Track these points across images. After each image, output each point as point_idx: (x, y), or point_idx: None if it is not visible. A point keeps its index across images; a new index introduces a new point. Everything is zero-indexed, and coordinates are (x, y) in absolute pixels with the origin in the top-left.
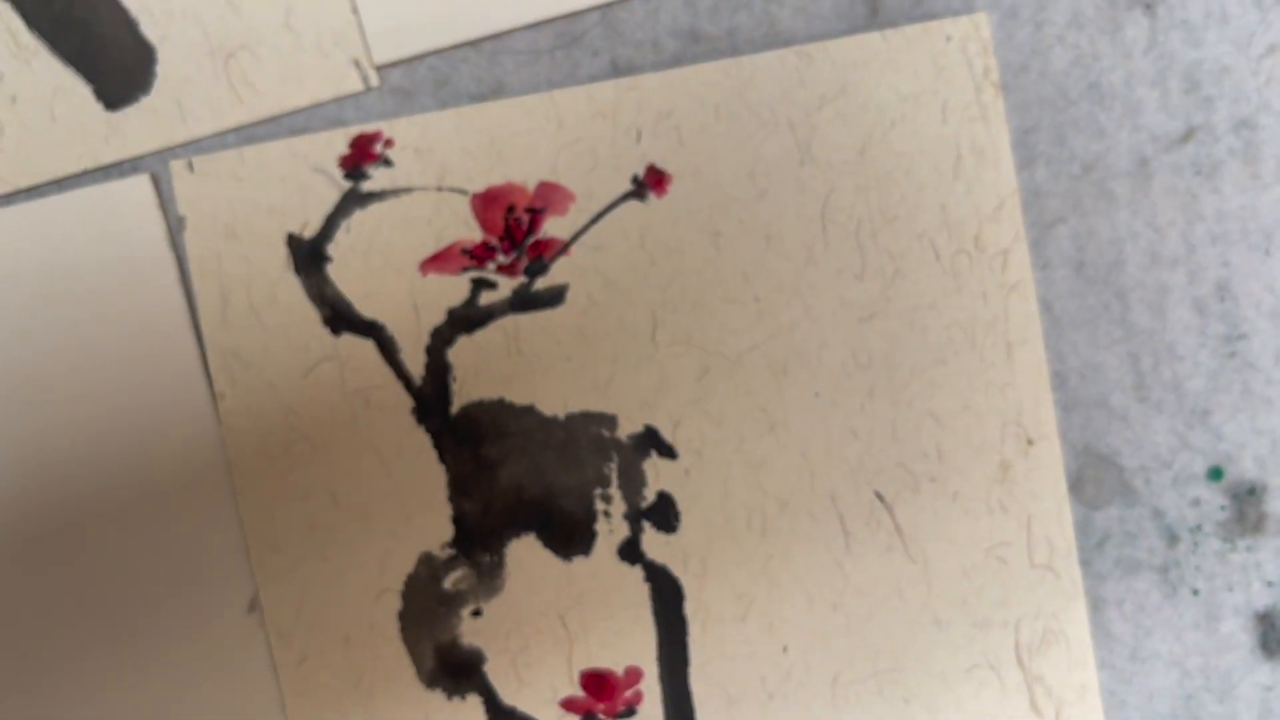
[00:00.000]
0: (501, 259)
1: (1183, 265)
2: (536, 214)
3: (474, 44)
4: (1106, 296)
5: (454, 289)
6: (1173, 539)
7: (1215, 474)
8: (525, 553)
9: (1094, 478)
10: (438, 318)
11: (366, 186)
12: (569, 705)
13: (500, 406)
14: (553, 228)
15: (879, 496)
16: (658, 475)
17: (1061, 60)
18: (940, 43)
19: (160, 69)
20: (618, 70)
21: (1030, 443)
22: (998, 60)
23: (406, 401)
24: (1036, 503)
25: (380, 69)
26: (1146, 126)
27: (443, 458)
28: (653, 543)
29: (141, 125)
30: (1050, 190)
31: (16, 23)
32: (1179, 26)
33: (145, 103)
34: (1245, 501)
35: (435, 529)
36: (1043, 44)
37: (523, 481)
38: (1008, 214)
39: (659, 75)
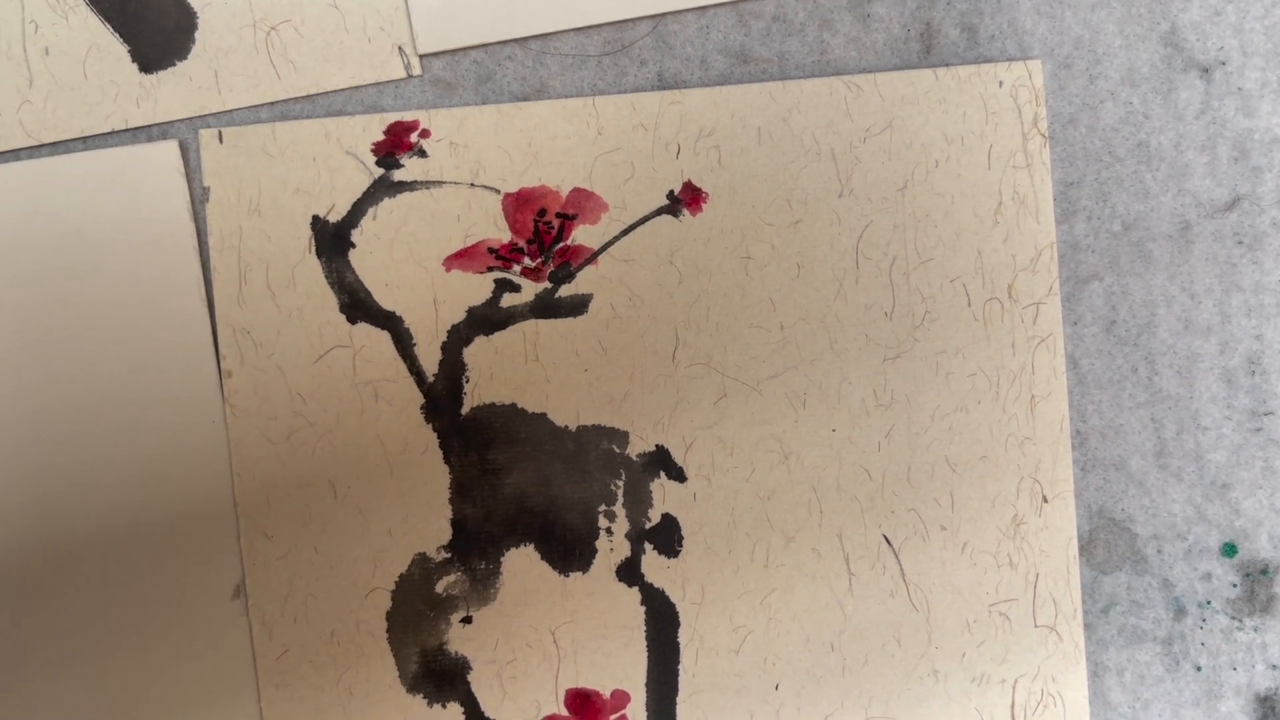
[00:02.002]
0: (528, 262)
1: (1215, 335)
2: (567, 220)
3: (521, 42)
4: (1135, 359)
5: (476, 288)
6: (1180, 612)
7: (1229, 550)
8: (522, 563)
9: (1105, 542)
10: (457, 315)
11: (398, 175)
12: None
13: (512, 412)
14: (582, 235)
15: (887, 540)
16: (664, 497)
17: (1112, 116)
18: (992, 86)
19: (200, 36)
20: (664, 83)
21: (1045, 500)
22: (1047, 110)
23: (417, 398)
24: (1046, 561)
25: (423, 58)
26: (1191, 191)
27: (448, 458)
28: (653, 565)
29: (175, 91)
30: (1088, 246)
31: None
32: (1234, 94)
33: (181, 68)
34: (1257, 580)
35: (433, 530)
36: (1094, 98)
37: (527, 490)
38: (1044, 266)
39: (705, 91)
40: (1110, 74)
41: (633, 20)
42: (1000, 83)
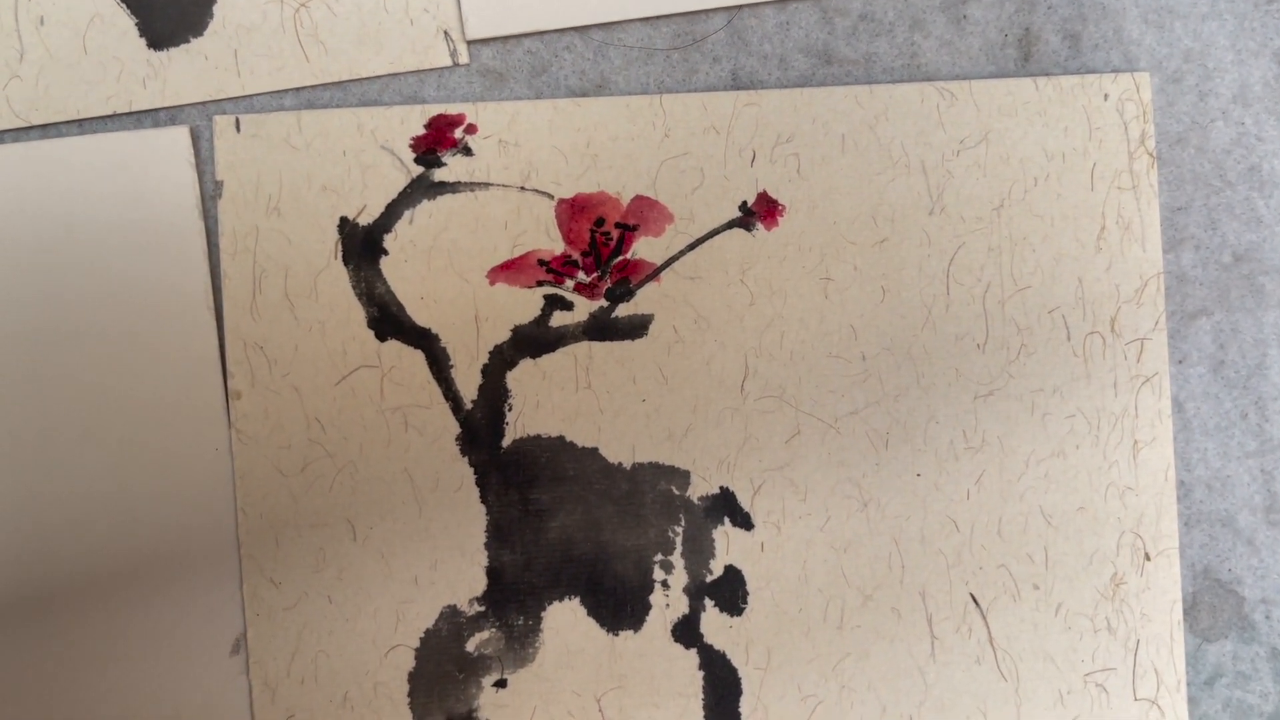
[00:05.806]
0: (582, 277)
1: None
2: (628, 231)
3: (581, 31)
4: (1245, 403)
5: (524, 304)
6: None
7: None
8: (565, 619)
9: (1210, 605)
10: (501, 335)
11: (439, 175)
12: None
13: (559, 445)
14: (644, 249)
15: (974, 599)
16: (728, 546)
17: (1223, 137)
18: (1096, 99)
19: (219, 10)
20: (738, 82)
21: (1148, 557)
22: (1154, 127)
23: (452, 427)
24: (1147, 627)
25: (471, 45)
26: None
27: (485, 497)
28: (713, 624)
29: (187, 71)
30: (1196, 278)
31: None
32: None
33: (195, 46)
34: None
35: (466, 580)
36: (1205, 116)
37: (574, 535)
38: (1150, 298)
39: (784, 93)
40: (1222, 90)
41: (706, 12)
42: (1105, 95)
